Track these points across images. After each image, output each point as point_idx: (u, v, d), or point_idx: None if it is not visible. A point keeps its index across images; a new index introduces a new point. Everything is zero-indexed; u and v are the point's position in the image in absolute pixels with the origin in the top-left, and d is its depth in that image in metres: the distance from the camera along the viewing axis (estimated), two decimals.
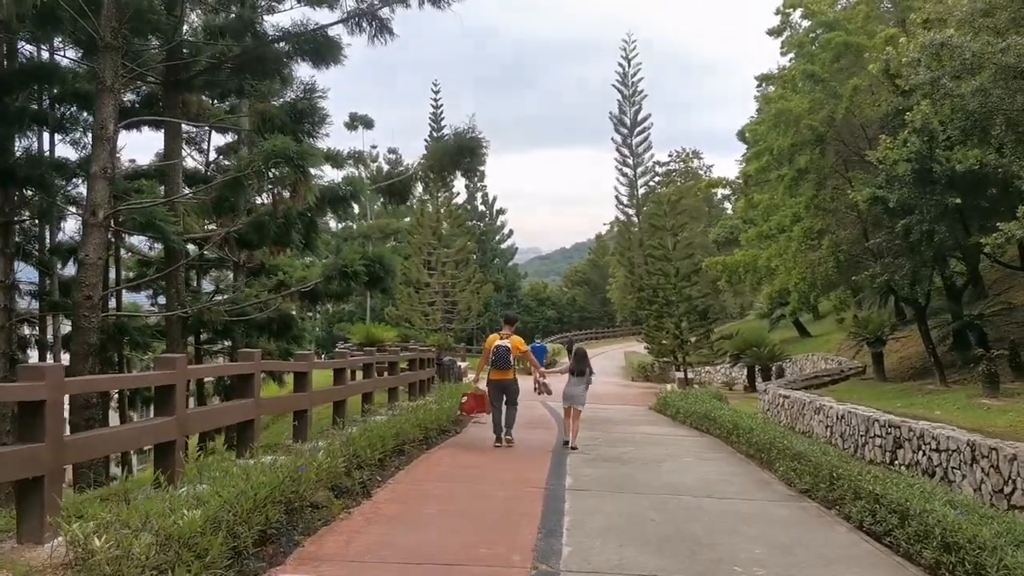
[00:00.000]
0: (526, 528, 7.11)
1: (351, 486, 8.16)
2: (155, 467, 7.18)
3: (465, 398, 14.32)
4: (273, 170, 12.04)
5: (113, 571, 4.03)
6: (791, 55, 27.66)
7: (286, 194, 13.64)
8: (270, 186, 13.18)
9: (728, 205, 64.17)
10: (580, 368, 12.93)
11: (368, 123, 62.23)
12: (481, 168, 16.65)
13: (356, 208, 67.33)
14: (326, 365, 14.10)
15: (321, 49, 15.56)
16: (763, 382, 28.03)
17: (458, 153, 16.27)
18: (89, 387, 10.80)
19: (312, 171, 12.59)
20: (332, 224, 65.56)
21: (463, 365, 36.18)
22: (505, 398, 12.60)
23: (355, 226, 62.54)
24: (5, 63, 16.44)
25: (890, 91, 19.56)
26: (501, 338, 12.51)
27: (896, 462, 12.66)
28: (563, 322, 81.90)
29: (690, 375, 32.24)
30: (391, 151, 60.37)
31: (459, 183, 70.85)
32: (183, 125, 18.86)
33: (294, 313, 19.44)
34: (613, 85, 47.05)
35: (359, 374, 14.99)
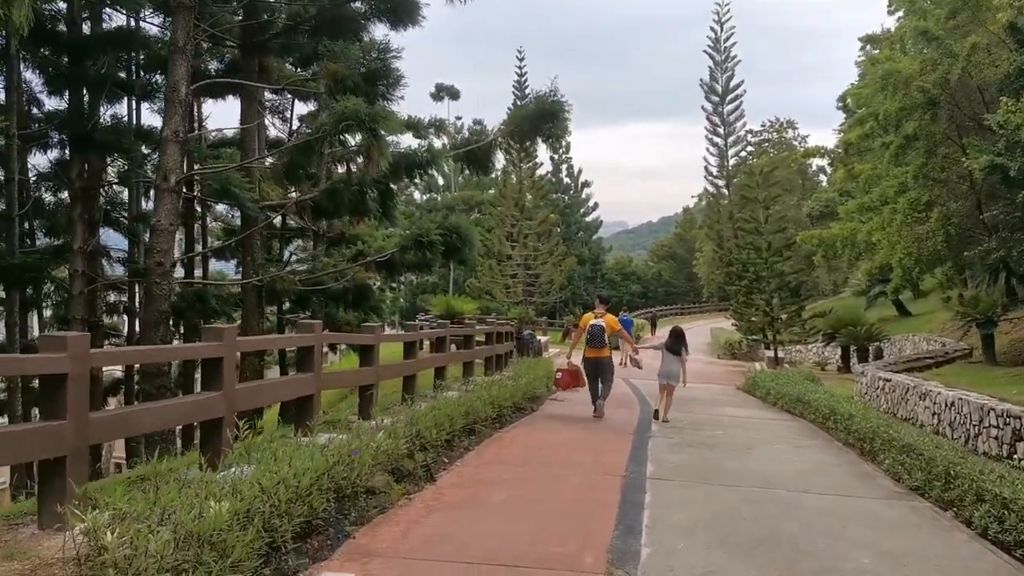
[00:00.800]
0: (601, 523, 6.44)
1: (413, 469, 7.64)
2: (201, 447, 6.79)
3: (560, 374, 14.19)
4: (345, 134, 11.55)
5: (125, 569, 3.53)
6: (899, 14, 25.66)
7: (360, 159, 13.12)
8: (342, 151, 12.67)
9: (824, 178, 61.42)
10: (676, 347, 13.28)
11: (454, 93, 61.87)
12: (563, 135, 15.79)
13: (438, 177, 67.21)
14: (394, 338, 13.68)
15: (398, 8, 14.98)
16: (859, 363, 26.47)
17: (539, 118, 15.50)
18: (116, 360, 10.55)
19: (388, 137, 12.05)
20: (416, 195, 65.81)
21: (544, 339, 35.64)
22: (600, 376, 13.04)
23: (439, 198, 62.47)
24: (89, 28, 16.44)
25: (1012, 49, 17.66)
26: (596, 317, 12.87)
27: (1016, 456, 11.43)
28: (648, 297, 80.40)
29: (780, 354, 30.80)
30: (476, 122, 59.77)
31: (543, 155, 70.04)
32: (263, 92, 18.69)
33: (372, 284, 19.13)
34: (704, 51, 45.27)
35: (432, 347, 14.52)
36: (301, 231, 24.57)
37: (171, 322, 12.86)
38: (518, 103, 41.47)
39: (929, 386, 15.88)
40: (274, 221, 26.46)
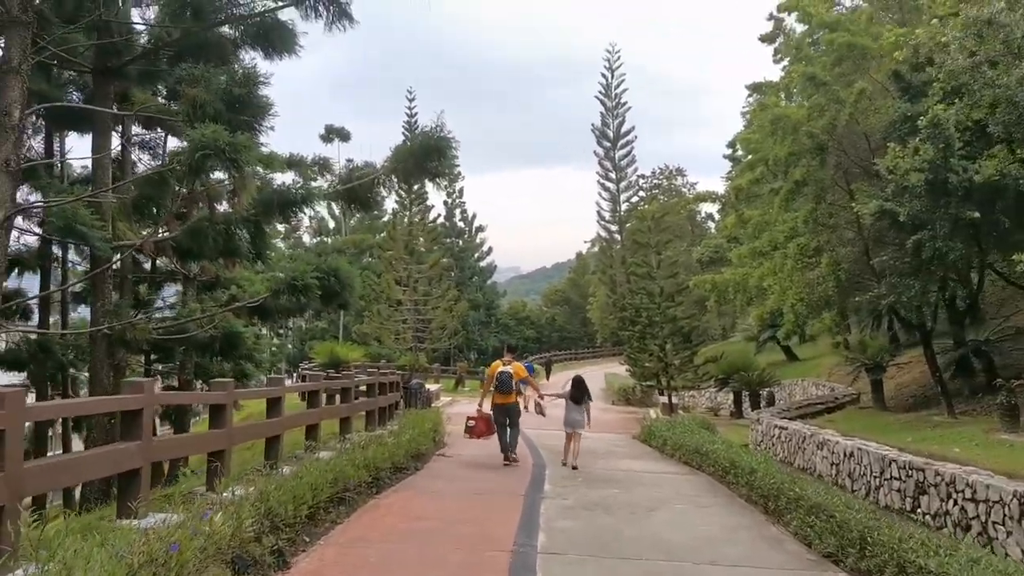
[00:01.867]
0: None
1: (261, 555, 6.35)
2: None
3: (472, 422, 14.33)
4: (203, 165, 10.26)
5: None
6: (785, 62, 26.27)
7: (227, 196, 11.81)
8: (209, 186, 11.34)
9: (712, 225, 62.96)
10: (579, 396, 14.03)
11: (344, 135, 60.55)
12: (449, 172, 14.93)
13: (328, 219, 65.43)
14: (250, 395, 12.26)
15: (271, 35, 13.84)
16: (752, 409, 26.40)
17: (424, 155, 14.54)
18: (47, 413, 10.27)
19: (253, 169, 10.82)
20: (306, 239, 63.77)
21: (436, 387, 34.34)
22: (508, 420, 13.62)
23: (329, 240, 60.65)
24: None
25: (896, 96, 18.00)
26: (504, 364, 13.67)
27: (919, 510, 10.99)
28: (542, 341, 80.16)
29: (674, 400, 30.59)
30: (367, 163, 58.46)
31: (436, 199, 69.31)
32: (127, 123, 17.10)
33: (248, 331, 17.55)
34: (596, 96, 45.67)
35: (313, 400, 13.16)
36: (171, 275, 22.71)
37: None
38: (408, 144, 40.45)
39: (826, 435, 15.55)
40: (144, 264, 24.55)
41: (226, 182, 12.30)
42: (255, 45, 14.31)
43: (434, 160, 14.65)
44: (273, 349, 57.56)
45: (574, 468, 13.37)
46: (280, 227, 63.74)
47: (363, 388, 16.38)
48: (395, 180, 15.60)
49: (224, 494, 7.28)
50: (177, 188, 11.12)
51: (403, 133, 41.64)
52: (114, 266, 13.93)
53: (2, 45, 11.79)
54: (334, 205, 64.37)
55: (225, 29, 13.85)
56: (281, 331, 59.60)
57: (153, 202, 12.11)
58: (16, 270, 21.46)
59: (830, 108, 20.45)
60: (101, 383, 14.00)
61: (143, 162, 22.66)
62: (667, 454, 16.90)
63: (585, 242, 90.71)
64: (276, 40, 14.21)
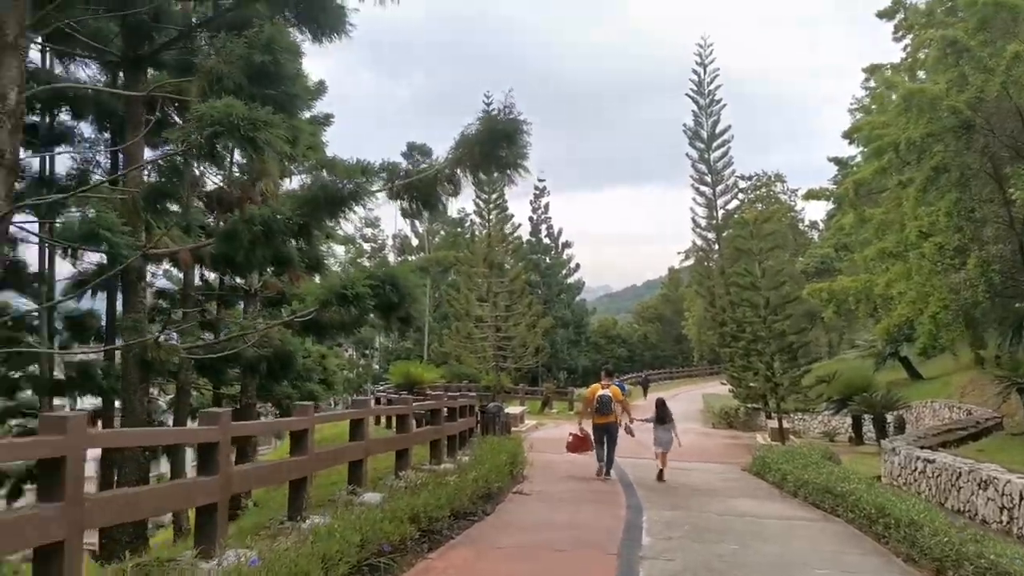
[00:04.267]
0: None
1: None
2: None
3: (571, 437, 15.52)
4: (218, 146, 8.44)
5: None
6: (907, 40, 23.09)
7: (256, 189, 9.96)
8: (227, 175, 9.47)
9: (816, 234, 58.92)
10: (662, 416, 15.25)
11: (425, 151, 59.34)
12: (522, 160, 12.70)
13: (412, 237, 64.39)
14: (252, 429, 10.32)
15: (316, 10, 12.05)
16: (879, 437, 23.12)
17: (492, 142, 12.43)
18: (110, 441, 9.61)
19: (275, 150, 8.90)
20: (391, 258, 62.86)
21: (520, 410, 32.14)
22: (606, 439, 14.76)
23: (412, 259, 59.54)
24: None
25: None
26: (602, 388, 14.85)
27: None
28: (634, 360, 77.02)
29: (785, 424, 27.47)
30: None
31: (521, 214, 67.49)
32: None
33: (294, 349, 15.79)
34: (687, 94, 42.75)
35: (355, 431, 11.10)
36: (234, 291, 21.34)
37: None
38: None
39: (990, 470, 12.59)
40: (210, 280, 23.33)
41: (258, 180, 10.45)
42: (300, 25, 12.57)
43: (503, 148, 12.55)
44: (359, 370, 56.63)
45: (660, 480, 14.49)
46: (367, 246, 63.27)
47: (446, 412, 14.38)
48: (461, 175, 13.52)
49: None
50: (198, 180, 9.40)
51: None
52: (149, 280, 12.26)
53: None
54: (418, 224, 63.54)
55: (259, 6, 12.10)
56: (367, 351, 58.66)
57: (168, 196, 10.48)
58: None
59: (975, 79, 17.29)
60: (134, 410, 12.37)
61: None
62: (787, 491, 14.19)
63: (679, 253, 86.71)
64: (322, 17, 12.43)
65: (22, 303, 20.77)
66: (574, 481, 14.87)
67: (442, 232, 65.71)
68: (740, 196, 47.07)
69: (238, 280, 19.82)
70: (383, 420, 19.94)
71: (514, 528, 9.76)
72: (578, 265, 69.36)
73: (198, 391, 24.23)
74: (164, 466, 25.78)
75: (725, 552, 8.70)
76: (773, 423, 27.59)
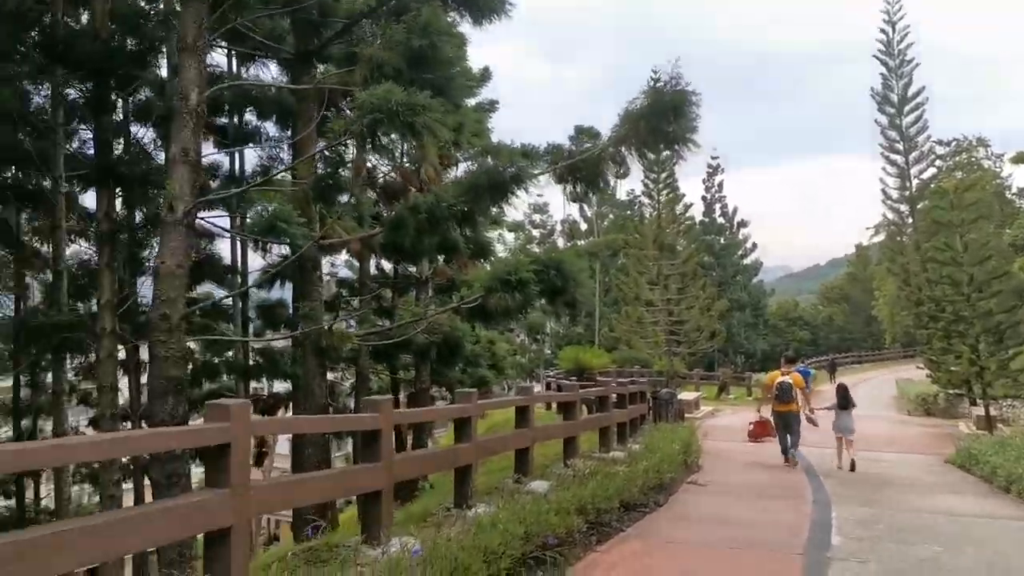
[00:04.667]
0: None
1: None
2: None
3: (752, 425, 15.99)
4: (377, 134, 8.47)
5: None
6: None
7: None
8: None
9: None
10: (844, 402, 14.76)
11: (593, 134, 58.84)
12: (691, 134, 12.01)
13: (580, 222, 64.06)
14: (414, 417, 10.26)
15: None
16: None
17: (659, 116, 11.84)
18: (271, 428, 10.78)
19: (439, 135, 8.84)
20: (560, 243, 62.89)
21: (696, 395, 31.08)
22: (788, 426, 14.44)
23: (581, 243, 59.23)
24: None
25: None
26: (783, 375, 14.49)
27: None
28: (818, 344, 73.02)
29: (991, 411, 24.85)
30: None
31: (695, 194, 65.51)
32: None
33: (462, 335, 15.89)
34: (875, 56, 39.24)
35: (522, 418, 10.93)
36: (408, 279, 21.91)
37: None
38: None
39: None
40: (385, 269, 24.12)
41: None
42: (460, 8, 12.51)
43: (670, 121, 11.92)
44: (530, 355, 57.13)
45: (852, 470, 13.88)
46: (535, 232, 63.67)
47: (615, 399, 14.09)
48: (626, 153, 13.01)
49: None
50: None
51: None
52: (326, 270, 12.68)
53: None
54: (586, 208, 63.18)
55: None
56: (538, 337, 59.08)
57: (334, 185, 10.72)
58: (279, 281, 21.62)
59: None
60: (312, 394, 12.87)
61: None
62: (998, 487, 12.71)
63: (867, 228, 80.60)
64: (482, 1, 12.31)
65: (220, 293, 22.45)
66: (753, 471, 14.07)
67: (611, 215, 64.95)
68: (937, 164, 43.01)
69: (410, 268, 20.31)
70: (554, 406, 19.85)
71: (688, 522, 9.24)
72: (755, 245, 66.55)
73: (376, 376, 25.20)
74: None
75: (926, 555, 7.78)
76: (978, 410, 25.05)
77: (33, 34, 14.28)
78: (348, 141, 9.21)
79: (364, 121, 8.34)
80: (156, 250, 12.28)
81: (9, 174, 16.77)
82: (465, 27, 13.39)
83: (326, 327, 11.36)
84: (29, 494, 20.96)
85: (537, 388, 34.47)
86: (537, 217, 64.46)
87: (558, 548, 6.92)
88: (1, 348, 19.76)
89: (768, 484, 12.60)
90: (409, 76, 9.38)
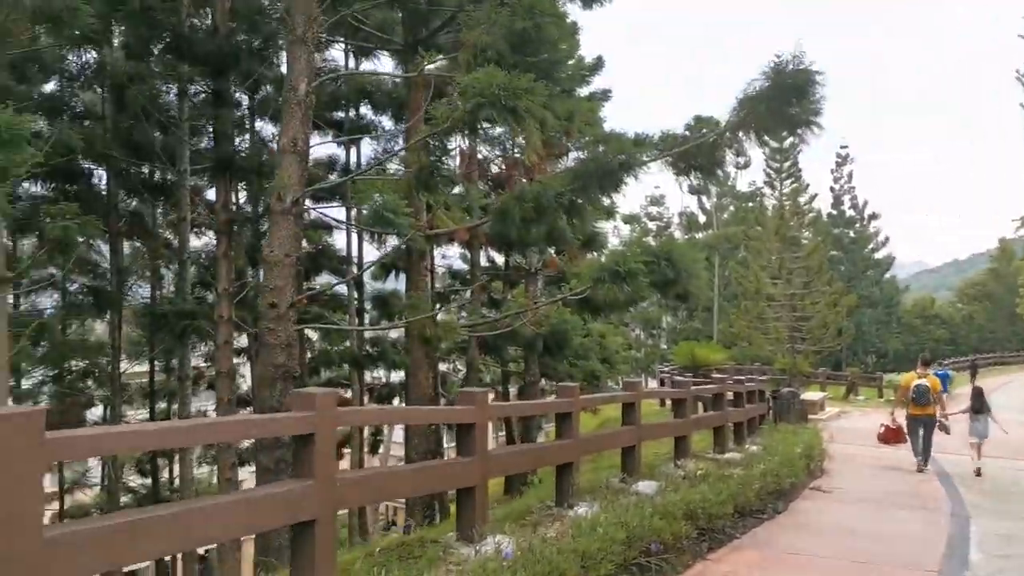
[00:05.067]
0: None
1: None
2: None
3: (883, 428, 14.94)
4: (479, 120, 8.24)
5: None
6: None
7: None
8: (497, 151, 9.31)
9: None
10: (979, 406, 14.26)
11: (712, 124, 57.03)
12: (815, 117, 11.25)
13: (699, 214, 62.31)
14: (511, 410, 9.92)
15: None
16: None
17: (780, 98, 11.14)
18: (359, 419, 10.38)
19: (540, 120, 8.52)
20: (677, 235, 61.41)
21: (821, 396, 29.53)
22: (922, 431, 13.93)
23: (699, 235, 57.65)
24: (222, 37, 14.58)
25: None
26: (919, 377, 14.00)
27: None
28: (957, 344, 68.41)
29: None
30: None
31: (821, 186, 62.58)
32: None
33: (569, 328, 15.53)
34: (1021, 36, 36.33)
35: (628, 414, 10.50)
36: (518, 271, 21.74)
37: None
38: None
39: None
40: (496, 261, 24.07)
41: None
42: None
43: (792, 103, 11.22)
44: (646, 350, 56.15)
45: (977, 475, 13.38)
46: (651, 224, 62.47)
47: (732, 396, 13.52)
48: (744, 138, 12.34)
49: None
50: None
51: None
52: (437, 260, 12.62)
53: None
54: (705, 200, 61.48)
55: None
56: (653, 331, 58.00)
57: (437, 172, 10.59)
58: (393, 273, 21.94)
59: None
60: (420, 384, 12.86)
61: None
62: None
63: (1012, 221, 74.91)
64: None
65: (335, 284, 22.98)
66: (883, 478, 13.12)
67: (731, 207, 62.89)
68: None
69: (520, 260, 20.16)
70: (668, 403, 19.27)
71: (808, 532, 8.60)
72: (887, 239, 63.06)
73: (487, 368, 25.23)
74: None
75: None
76: None
77: (164, 35, 14.88)
78: (455, 129, 9.03)
79: (466, 106, 8.15)
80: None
81: (145, 169, 17.69)
82: (575, 11, 13.05)
83: (428, 317, 11.28)
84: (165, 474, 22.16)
85: (651, 384, 33.71)
86: (653, 209, 63.26)
87: (663, 555, 6.51)
88: (139, 335, 20.93)
89: (900, 492, 11.69)
90: (512, 59, 9.12)
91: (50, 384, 19.13)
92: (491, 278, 22.90)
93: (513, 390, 25.34)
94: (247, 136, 18.49)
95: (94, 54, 16.25)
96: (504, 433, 27.25)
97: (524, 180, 11.24)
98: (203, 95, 15.64)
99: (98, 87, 16.86)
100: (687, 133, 13.94)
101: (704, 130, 12.81)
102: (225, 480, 13.54)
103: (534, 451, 8.47)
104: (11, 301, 19.68)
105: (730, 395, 13.69)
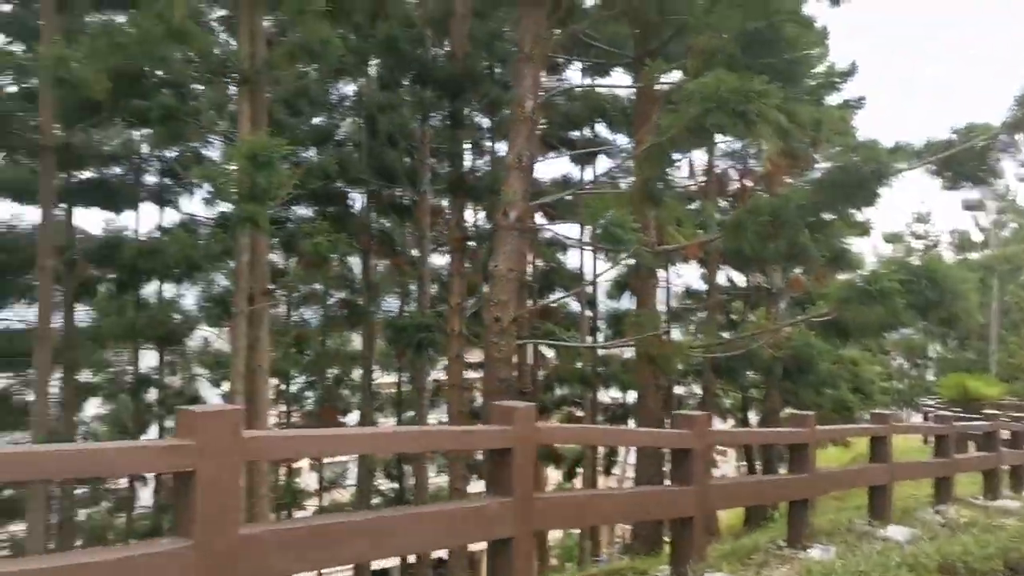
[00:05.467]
0: None
1: None
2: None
3: None
4: (708, 125, 7.76)
5: None
6: None
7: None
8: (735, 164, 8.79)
9: None
10: None
11: (988, 130, 50.97)
12: None
13: (971, 232, 55.77)
14: (733, 439, 9.03)
15: None
16: None
17: None
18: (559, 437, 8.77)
19: (776, 124, 7.86)
20: (947, 256, 55.52)
21: None
22: None
23: (973, 256, 51.62)
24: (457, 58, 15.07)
25: None
26: None
27: None
28: None
29: None
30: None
31: None
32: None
33: (814, 352, 14.29)
34: None
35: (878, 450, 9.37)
36: (757, 291, 20.66)
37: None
38: None
39: None
40: (735, 281, 23.00)
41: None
42: None
43: None
44: (909, 381, 51.17)
45: None
46: (916, 244, 57.01)
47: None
48: (1022, 141, 10.78)
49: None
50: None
51: None
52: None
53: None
54: (980, 217, 55.07)
55: None
56: (919, 361, 52.68)
57: (660, 183, 10.16)
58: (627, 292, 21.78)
59: None
60: (647, 406, 12.49)
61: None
62: None
63: None
64: None
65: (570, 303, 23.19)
66: None
67: (1012, 224, 55.74)
68: None
69: (760, 279, 19.11)
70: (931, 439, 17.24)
71: None
72: None
73: (725, 393, 24.12)
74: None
75: None
76: None
77: (409, 64, 15.85)
78: (681, 138, 8.62)
79: (692, 113, 7.73)
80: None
81: (397, 191, 19.00)
82: (822, 12, 12.07)
83: (652, 336, 10.87)
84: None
85: (914, 419, 30.50)
86: (920, 227, 57.65)
87: None
88: (387, 347, 22.40)
89: None
90: (744, 63, 8.55)
91: (310, 389, 20.92)
92: (730, 298, 21.93)
93: (755, 418, 24.04)
94: (486, 158, 19.21)
95: (352, 87, 17.76)
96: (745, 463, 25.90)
97: (761, 192, 10.50)
98: (441, 119, 16.46)
99: (355, 117, 18.39)
100: (953, 137, 12.47)
101: (974, 135, 11.37)
102: (454, 490, 13.96)
103: (761, 484, 7.79)
104: (283, 312, 22.00)
105: (1006, 434, 11.90)
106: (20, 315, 16.72)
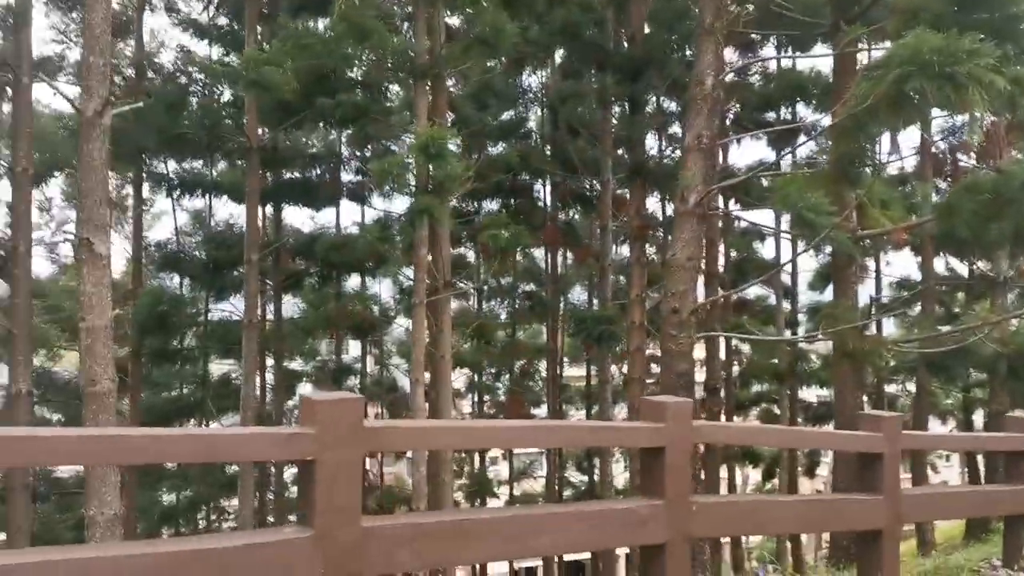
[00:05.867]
0: None
1: None
2: None
3: None
4: (909, 91, 6.85)
5: None
6: None
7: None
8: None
9: None
10: None
11: None
12: None
13: None
14: (928, 443, 7.78)
15: None
16: None
17: None
18: (715, 436, 8.11)
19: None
20: None
21: None
22: None
23: None
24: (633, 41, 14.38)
25: None
26: None
27: None
28: None
29: None
30: None
31: None
32: None
33: None
34: None
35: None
36: (982, 279, 18.50)
37: None
38: None
39: None
40: (956, 269, 20.76)
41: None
42: None
43: None
44: None
45: None
46: None
47: None
48: None
49: None
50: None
51: None
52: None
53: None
54: None
55: None
56: None
57: (856, 160, 9.16)
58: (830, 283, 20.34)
59: None
60: (845, 403, 11.50)
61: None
62: None
63: None
64: None
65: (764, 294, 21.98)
66: None
67: None
68: None
69: (984, 267, 17.07)
70: None
71: None
72: None
73: (944, 393, 21.94)
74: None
75: None
76: None
77: (591, 51, 15.56)
78: (879, 108, 7.67)
79: (889, 77, 6.85)
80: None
81: (582, 182, 18.82)
82: None
83: (850, 329, 9.86)
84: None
85: None
86: None
87: None
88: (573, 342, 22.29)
89: None
90: (955, 19, 7.48)
91: (496, 380, 21.22)
92: (948, 288, 19.85)
93: (978, 419, 21.76)
94: (673, 144, 18.55)
95: (535, 79, 17.78)
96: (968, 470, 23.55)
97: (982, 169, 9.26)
98: (622, 105, 16.02)
99: (539, 109, 18.39)
100: None
101: None
102: (635, 487, 13.54)
103: (968, 495, 6.78)
104: (473, 304, 22.52)
105: None
106: (236, 307, 18.17)
